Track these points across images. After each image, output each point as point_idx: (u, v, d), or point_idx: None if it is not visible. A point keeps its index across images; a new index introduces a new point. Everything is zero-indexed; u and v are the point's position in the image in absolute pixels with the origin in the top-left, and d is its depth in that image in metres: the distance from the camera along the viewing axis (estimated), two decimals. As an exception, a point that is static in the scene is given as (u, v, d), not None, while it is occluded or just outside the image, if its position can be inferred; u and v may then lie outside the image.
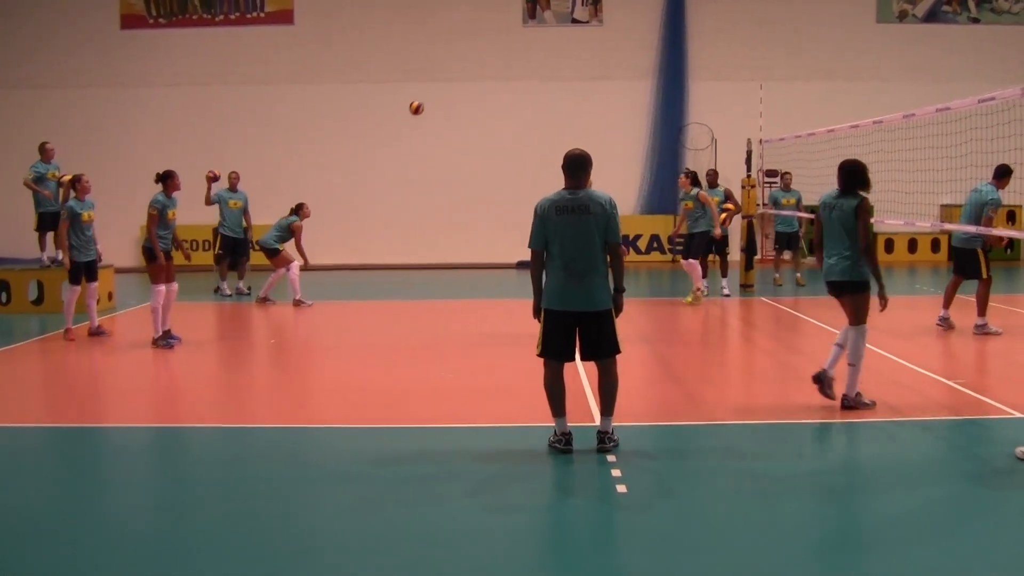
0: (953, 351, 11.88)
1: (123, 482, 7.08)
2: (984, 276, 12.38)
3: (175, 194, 12.26)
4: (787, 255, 18.60)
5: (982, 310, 12.45)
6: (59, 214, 16.12)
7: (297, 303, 15.89)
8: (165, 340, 11.96)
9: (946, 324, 12.79)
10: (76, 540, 5.73)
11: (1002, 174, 12.34)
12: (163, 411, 9.33)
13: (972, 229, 11.95)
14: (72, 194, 12.61)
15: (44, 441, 8.22)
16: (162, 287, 11.99)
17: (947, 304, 12.83)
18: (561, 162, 7.25)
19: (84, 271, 12.72)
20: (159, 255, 11.93)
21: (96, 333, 12.89)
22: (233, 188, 17.57)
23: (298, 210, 16.61)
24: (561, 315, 7.14)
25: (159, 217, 11.93)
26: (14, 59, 24.07)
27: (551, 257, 7.19)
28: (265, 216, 22.29)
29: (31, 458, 7.70)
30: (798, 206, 18.12)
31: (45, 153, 16.09)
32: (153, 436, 8.37)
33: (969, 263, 12.48)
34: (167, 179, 12.13)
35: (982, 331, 12.42)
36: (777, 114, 21.87)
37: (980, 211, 12.19)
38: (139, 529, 5.94)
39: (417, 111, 14.89)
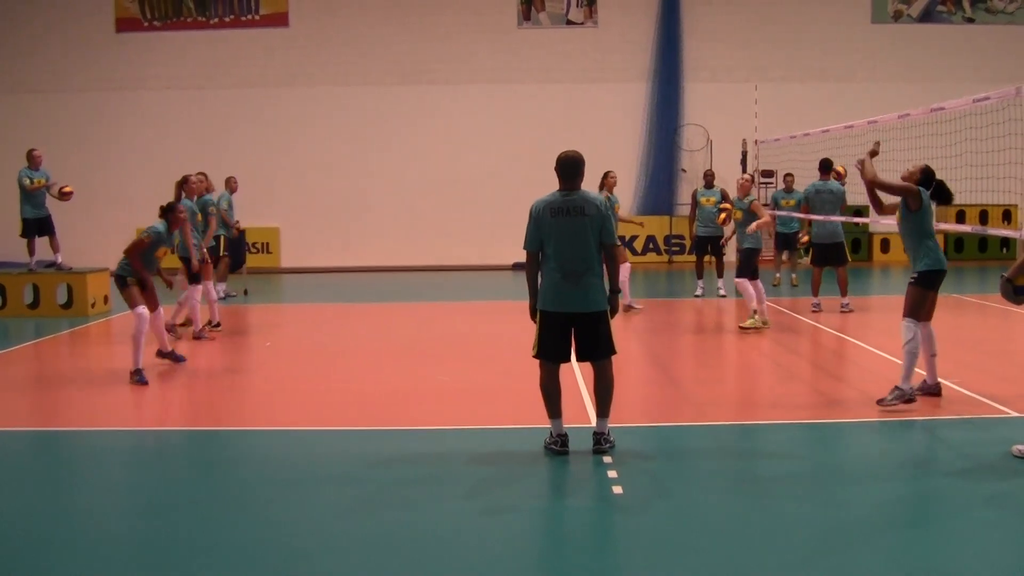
0: (948, 350, 11.87)
1: (119, 486, 7.06)
2: (848, 261, 14.88)
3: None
4: (784, 255, 18.63)
5: (846, 291, 14.68)
6: (40, 220, 16.02)
7: (627, 308, 14.96)
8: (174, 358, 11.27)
9: (819, 308, 14.62)
10: (72, 544, 5.71)
11: (830, 167, 14.77)
12: (159, 414, 9.31)
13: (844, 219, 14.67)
14: (182, 195, 12.78)
15: (40, 445, 8.19)
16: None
17: (816, 292, 14.77)
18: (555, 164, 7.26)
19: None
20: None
21: (199, 336, 12.91)
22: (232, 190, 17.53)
23: (603, 179, 15.16)
24: (557, 316, 7.14)
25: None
26: (8, 63, 24.05)
27: (546, 259, 7.19)
28: (258, 220, 22.36)
29: (28, 462, 7.68)
30: (799, 207, 18.07)
31: (33, 160, 16.02)
32: (149, 439, 8.35)
33: (837, 253, 14.76)
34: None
35: (845, 309, 14.47)
36: (772, 115, 21.90)
37: (840, 204, 14.82)
38: (135, 533, 5.92)
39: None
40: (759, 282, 13.13)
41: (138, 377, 10.17)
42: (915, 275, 8.64)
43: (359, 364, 11.45)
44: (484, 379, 10.34)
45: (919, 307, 8.61)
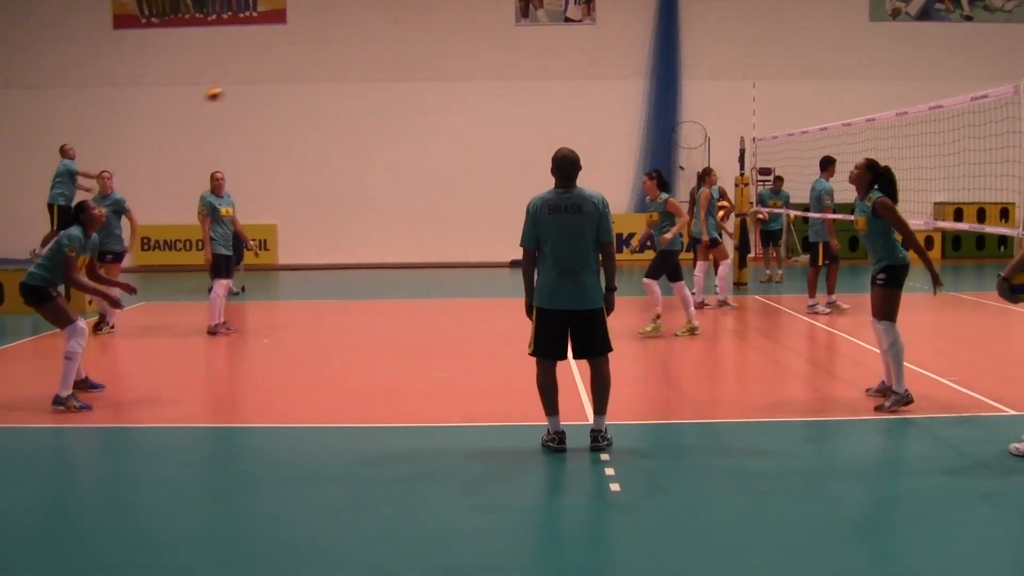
0: (946, 348, 11.90)
1: (117, 482, 7.06)
2: (819, 264, 14.29)
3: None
4: (772, 252, 19.07)
5: (812, 292, 14.27)
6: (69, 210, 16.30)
7: (722, 303, 14.89)
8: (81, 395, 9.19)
9: (835, 307, 14.25)
10: (71, 541, 5.71)
11: (826, 164, 14.36)
12: (157, 411, 9.28)
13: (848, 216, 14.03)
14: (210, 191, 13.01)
15: (37, 442, 8.18)
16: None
17: (831, 291, 14.34)
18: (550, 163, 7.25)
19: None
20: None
21: (214, 332, 12.96)
22: None
23: (704, 177, 15.24)
24: (553, 314, 7.13)
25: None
26: (6, 59, 23.99)
27: (543, 256, 7.17)
28: (255, 217, 22.30)
29: (23, 459, 7.67)
30: (784, 207, 18.49)
31: (66, 153, 17.07)
32: (146, 436, 8.33)
33: (812, 253, 14.44)
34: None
35: (813, 309, 14.16)
36: (770, 112, 21.87)
37: (818, 203, 14.20)
38: (133, 529, 5.92)
39: (214, 97, 14.94)
40: (683, 284, 12.61)
41: (77, 404, 8.75)
42: (883, 275, 8.44)
43: (356, 361, 11.45)
44: (481, 376, 10.34)
45: (893, 307, 8.45)
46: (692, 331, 12.43)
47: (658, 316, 12.48)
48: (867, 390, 8.93)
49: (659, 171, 12.89)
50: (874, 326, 8.62)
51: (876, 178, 8.56)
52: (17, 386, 10.29)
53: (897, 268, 8.41)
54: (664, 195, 12.57)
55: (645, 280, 12.54)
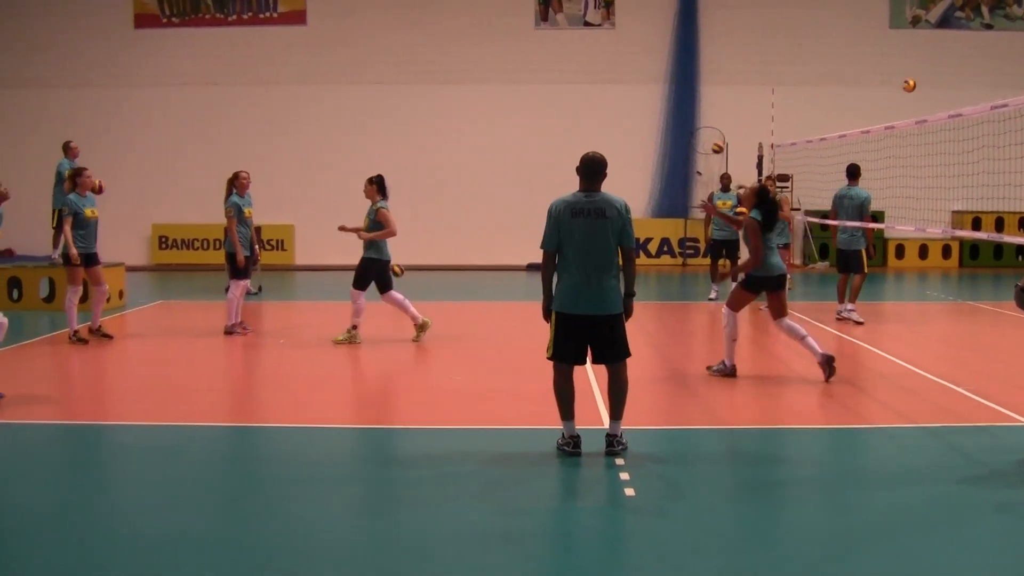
0: (962, 358, 11.87)
1: (127, 480, 7.09)
2: (864, 271, 14.03)
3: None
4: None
5: (855, 298, 13.98)
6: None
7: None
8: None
9: (848, 315, 14.08)
10: (80, 538, 5.76)
11: (854, 174, 14.18)
12: (169, 410, 9.32)
13: (872, 225, 14.13)
14: (233, 190, 13.03)
15: (53, 438, 8.24)
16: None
17: (842, 299, 14.17)
18: (576, 164, 7.24)
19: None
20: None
21: (230, 332, 12.98)
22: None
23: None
24: (574, 318, 7.13)
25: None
26: (27, 58, 24.17)
27: (564, 259, 7.16)
28: (273, 217, 22.36)
29: (39, 456, 7.73)
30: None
31: (70, 152, 16.48)
32: (158, 435, 8.37)
33: (854, 261, 13.95)
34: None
35: (849, 315, 13.93)
36: (789, 119, 21.86)
37: (861, 212, 13.94)
38: (142, 528, 5.94)
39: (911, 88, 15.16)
40: (394, 293, 12.81)
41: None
42: (745, 277, 10.04)
43: (371, 362, 11.48)
44: (497, 379, 10.35)
45: (738, 302, 10.13)
46: (423, 328, 12.71)
47: (355, 326, 12.56)
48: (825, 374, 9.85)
49: (381, 176, 13.07)
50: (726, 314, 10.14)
51: (761, 202, 9.85)
52: (34, 382, 10.36)
53: (757, 279, 9.93)
54: (379, 203, 12.97)
55: (352, 290, 12.68)
